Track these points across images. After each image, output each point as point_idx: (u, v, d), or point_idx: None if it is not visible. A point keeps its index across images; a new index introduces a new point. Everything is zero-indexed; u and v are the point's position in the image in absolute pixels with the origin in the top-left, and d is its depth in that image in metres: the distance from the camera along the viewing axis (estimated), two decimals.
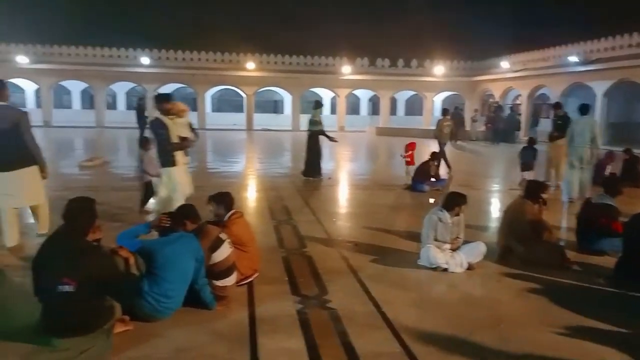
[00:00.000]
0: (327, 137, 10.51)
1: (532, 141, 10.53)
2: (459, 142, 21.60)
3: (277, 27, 38.16)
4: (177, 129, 5.77)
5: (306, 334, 3.31)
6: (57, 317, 2.90)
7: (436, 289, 4.35)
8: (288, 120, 32.60)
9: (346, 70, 31.23)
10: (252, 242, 4.37)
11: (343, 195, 9.34)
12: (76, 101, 35.33)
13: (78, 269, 2.85)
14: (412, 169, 9.67)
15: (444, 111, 13.14)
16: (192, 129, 6.62)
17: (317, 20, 37.62)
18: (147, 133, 6.84)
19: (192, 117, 31.98)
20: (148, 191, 6.79)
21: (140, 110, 17.12)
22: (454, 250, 4.78)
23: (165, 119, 5.58)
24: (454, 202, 4.82)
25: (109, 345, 2.94)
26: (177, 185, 5.67)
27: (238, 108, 34.93)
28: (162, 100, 5.73)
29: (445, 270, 4.60)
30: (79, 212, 3.07)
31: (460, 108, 27.60)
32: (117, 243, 3.57)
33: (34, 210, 5.44)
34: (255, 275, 4.25)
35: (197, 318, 3.49)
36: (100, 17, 36.15)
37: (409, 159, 9.93)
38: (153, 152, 6.49)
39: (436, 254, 4.64)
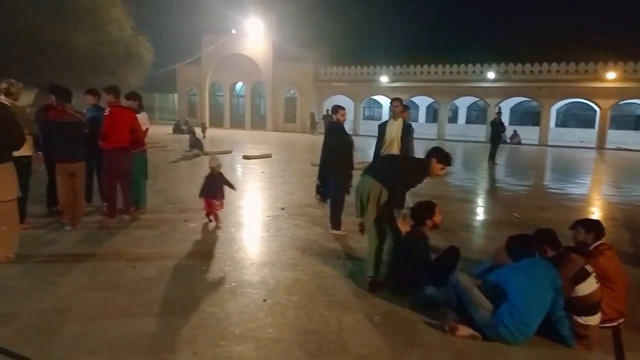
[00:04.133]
0: None
1: None
2: None
3: None
4: None
5: None
6: None
7: None
8: None
9: None
10: (620, 280, 3.76)
11: None
12: (422, 115, 38.90)
13: None
14: None
15: None
16: None
17: None
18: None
19: (532, 131, 29.93)
20: None
21: (495, 125, 16.86)
22: None
23: None
24: None
25: None
26: None
27: (587, 123, 31.11)
28: None
29: None
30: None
31: None
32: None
33: None
34: (621, 320, 3.65)
35: (554, 352, 3.26)
36: (447, 36, 38.58)
37: None
38: None
39: None
